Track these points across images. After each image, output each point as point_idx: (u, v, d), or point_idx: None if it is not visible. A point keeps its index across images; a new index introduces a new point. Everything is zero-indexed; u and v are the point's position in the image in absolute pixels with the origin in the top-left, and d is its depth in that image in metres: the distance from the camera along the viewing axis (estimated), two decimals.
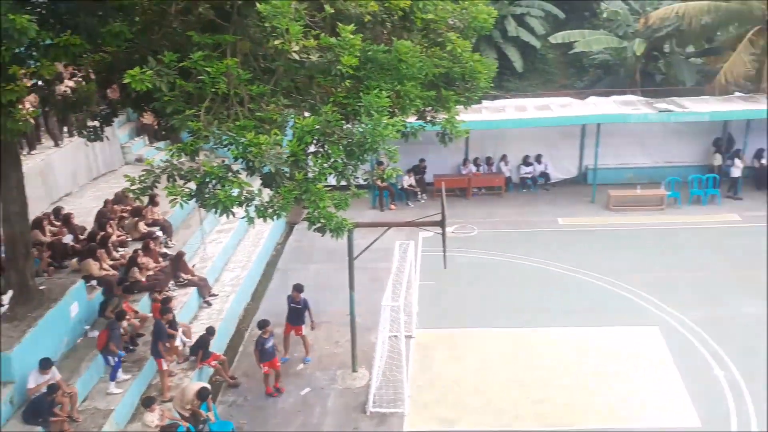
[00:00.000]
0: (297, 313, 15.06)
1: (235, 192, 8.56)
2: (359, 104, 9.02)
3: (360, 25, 9.50)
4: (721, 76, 25.55)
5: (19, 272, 12.60)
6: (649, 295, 17.57)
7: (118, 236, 16.72)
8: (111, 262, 15.33)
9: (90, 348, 13.21)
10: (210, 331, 14.16)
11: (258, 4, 8.34)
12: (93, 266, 14.64)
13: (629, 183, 24.70)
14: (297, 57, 8.64)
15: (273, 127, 8.70)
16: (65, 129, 19.71)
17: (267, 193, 9.01)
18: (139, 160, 22.41)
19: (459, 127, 11.68)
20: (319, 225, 9.18)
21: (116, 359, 12.83)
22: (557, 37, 31.41)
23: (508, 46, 33.89)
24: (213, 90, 8.53)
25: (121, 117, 20.95)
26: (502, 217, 23.35)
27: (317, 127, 8.66)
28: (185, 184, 8.90)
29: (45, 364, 11.63)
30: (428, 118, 12.15)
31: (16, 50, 8.90)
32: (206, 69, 8.47)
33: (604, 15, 35.08)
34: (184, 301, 15.71)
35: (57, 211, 16.79)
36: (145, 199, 16.03)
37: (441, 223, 13.38)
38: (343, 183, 9.66)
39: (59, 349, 12.88)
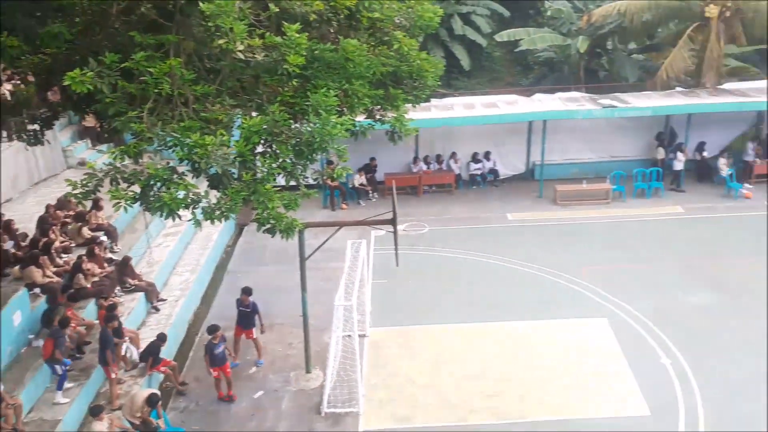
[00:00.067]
0: (246, 316, 14.90)
1: (181, 194, 8.40)
2: (307, 103, 8.94)
3: (306, 24, 9.42)
4: (663, 71, 26.13)
5: None
6: (597, 287, 17.91)
7: (62, 242, 16.29)
8: (54, 269, 14.91)
9: (35, 358, 12.85)
10: (161, 338, 13.91)
11: (201, 4, 8.19)
12: (36, 274, 14.23)
13: (575, 178, 25.14)
14: (242, 56, 8.52)
15: (219, 128, 8.56)
16: (4, 133, 19.06)
17: (214, 194, 8.88)
18: (82, 163, 21.88)
19: (408, 125, 11.73)
20: (268, 226, 9.08)
21: (63, 368, 12.51)
22: (503, 36, 31.75)
23: (455, 44, 34.13)
24: (156, 91, 8.35)
25: (63, 120, 20.46)
26: (453, 214, 23.52)
27: (265, 126, 8.55)
28: (129, 187, 8.70)
29: None
30: (377, 117, 12.14)
31: None
32: (149, 69, 8.28)
33: (548, 13, 35.57)
34: (131, 307, 15.40)
35: None
36: (89, 204, 15.75)
37: (392, 222, 13.40)
38: (293, 183, 9.59)
39: (2, 359, 12.48)
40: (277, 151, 8.92)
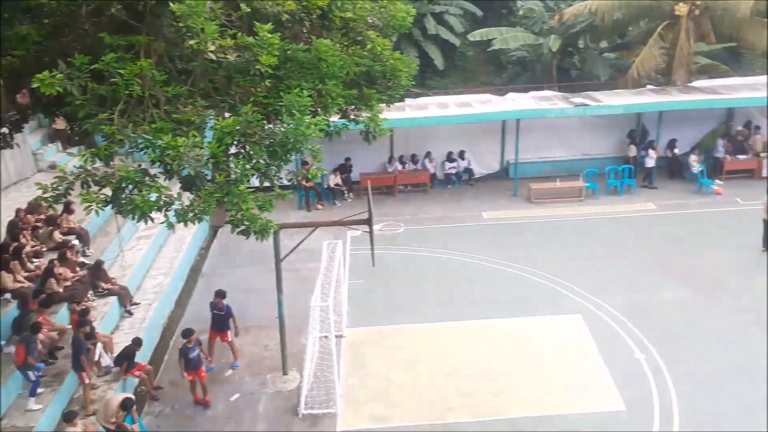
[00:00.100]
0: (221, 319, 14.80)
1: (154, 197, 8.33)
2: (280, 104, 8.91)
3: (278, 24, 9.40)
4: (634, 69, 26.42)
5: None
6: (572, 283, 18.07)
7: (33, 246, 16.06)
8: (26, 274, 14.72)
9: (6, 364, 12.63)
10: (136, 342, 13.77)
11: (171, 4, 8.12)
12: (6, 279, 14.02)
13: (549, 176, 25.28)
14: (214, 57, 8.48)
15: (191, 129, 8.49)
16: None
17: (187, 196, 8.81)
18: (53, 166, 21.57)
19: (382, 125, 11.74)
20: (243, 227, 9.04)
21: (36, 374, 12.33)
22: (476, 35, 31.86)
23: (428, 44, 34.20)
24: (127, 92, 8.27)
25: (32, 123, 20.13)
26: (429, 214, 23.57)
27: (237, 127, 8.50)
28: (100, 190, 8.62)
29: None
30: (351, 117, 12.14)
31: None
32: (119, 71, 8.19)
33: (521, 12, 35.77)
34: (104, 311, 15.22)
35: None
36: (60, 207, 15.54)
37: (368, 222, 13.39)
38: (267, 184, 9.55)
39: None
40: (251, 152, 8.88)
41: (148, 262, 18.56)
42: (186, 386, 13.95)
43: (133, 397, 12.50)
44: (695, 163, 24.63)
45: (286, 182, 10.61)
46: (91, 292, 15.45)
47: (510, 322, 16.51)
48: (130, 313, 16.06)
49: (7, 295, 13.95)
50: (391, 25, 11.64)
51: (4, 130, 12.14)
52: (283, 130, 8.81)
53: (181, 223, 8.67)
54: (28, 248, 15.70)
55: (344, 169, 25.10)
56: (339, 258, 15.49)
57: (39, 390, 12.41)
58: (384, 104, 12.14)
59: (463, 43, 35.37)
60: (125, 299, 16.10)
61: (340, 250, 15.67)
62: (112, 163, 8.79)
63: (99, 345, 13.71)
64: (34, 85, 7.91)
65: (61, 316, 14.49)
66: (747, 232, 20.16)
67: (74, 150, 21.37)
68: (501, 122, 25.64)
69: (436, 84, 34.40)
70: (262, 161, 8.97)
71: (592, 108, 24.16)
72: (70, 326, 14.11)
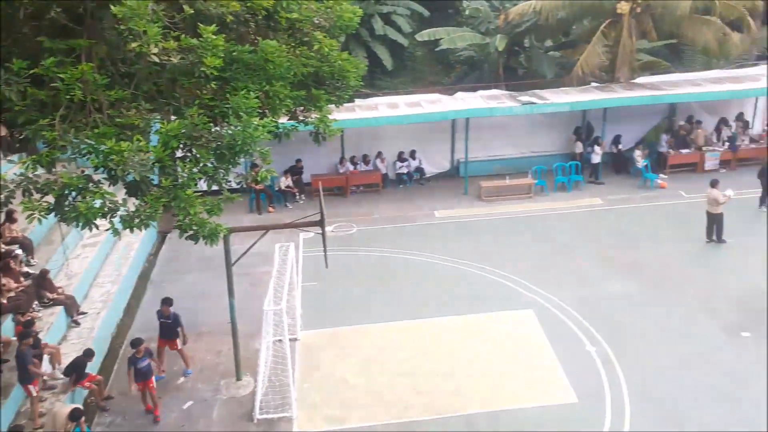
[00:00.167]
0: (168, 327, 14.57)
1: (98, 203, 8.16)
2: (227, 106, 8.82)
3: (222, 26, 9.28)
4: (578, 67, 26.82)
5: None
6: (523, 279, 18.30)
7: None
8: None
9: None
10: (87, 353, 13.44)
11: (112, 6, 7.96)
12: None
13: (499, 174, 25.54)
14: (157, 59, 8.34)
15: (135, 133, 8.34)
16: None
17: (133, 202, 8.65)
18: None
19: (332, 126, 11.74)
20: (191, 232, 8.93)
21: None
22: (423, 35, 32.04)
23: (376, 44, 34.25)
24: (68, 97, 8.07)
25: None
26: (381, 214, 23.61)
27: (183, 131, 8.39)
28: (43, 197, 8.40)
29: None
30: (300, 118, 12.09)
31: None
32: (60, 75, 7.99)
33: (467, 12, 36.09)
34: (50, 321, 14.80)
35: None
36: (1, 217, 15.09)
37: (320, 223, 13.33)
38: (216, 188, 9.44)
39: None
40: (198, 156, 8.77)
41: (95, 270, 18.12)
42: (137, 395, 13.67)
43: (81, 407, 12.21)
44: (640, 158, 25.21)
45: (235, 185, 10.49)
46: (36, 302, 15.03)
47: (464, 319, 16.64)
48: (77, 323, 15.66)
49: None
50: (338, 25, 11.60)
51: None
52: (230, 132, 8.72)
53: (128, 230, 8.52)
54: None
55: (295, 170, 24.96)
56: (292, 260, 15.39)
57: None
58: (333, 105, 12.11)
59: (411, 43, 35.53)
60: (72, 309, 15.70)
61: (292, 253, 15.57)
62: (54, 169, 8.58)
63: (45, 357, 13.34)
64: None
65: (6, 327, 14.04)
66: (691, 224, 20.69)
67: (15, 157, 20.74)
68: (451, 121, 25.84)
69: (385, 84, 34.48)
70: (209, 164, 8.88)
71: (539, 106, 24.51)
72: (14, 338, 13.71)
